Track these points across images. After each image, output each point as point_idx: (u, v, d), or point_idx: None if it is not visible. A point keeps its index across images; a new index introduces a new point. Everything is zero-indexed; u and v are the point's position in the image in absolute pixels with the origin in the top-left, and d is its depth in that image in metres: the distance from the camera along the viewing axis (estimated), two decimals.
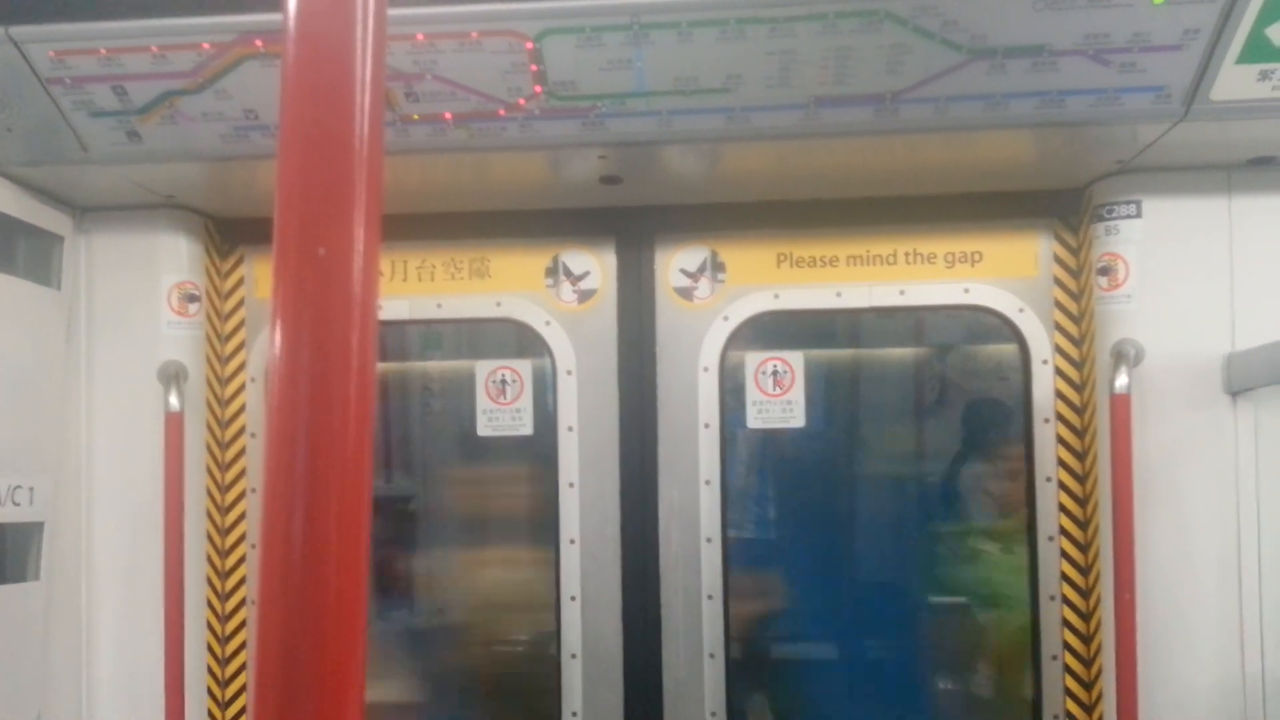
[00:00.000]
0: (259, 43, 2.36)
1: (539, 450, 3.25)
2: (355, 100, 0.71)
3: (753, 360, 3.17)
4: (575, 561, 3.13)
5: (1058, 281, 3.04)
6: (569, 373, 3.16)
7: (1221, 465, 2.77)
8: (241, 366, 3.24)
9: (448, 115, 2.46)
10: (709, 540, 3.10)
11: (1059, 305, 3.04)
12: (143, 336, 3.04)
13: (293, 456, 0.64)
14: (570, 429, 3.15)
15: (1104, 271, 2.88)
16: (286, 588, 0.63)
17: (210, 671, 3.12)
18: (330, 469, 0.64)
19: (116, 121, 2.53)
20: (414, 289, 3.20)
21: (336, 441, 0.65)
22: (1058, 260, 3.04)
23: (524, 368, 3.23)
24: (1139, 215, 2.84)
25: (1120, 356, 2.77)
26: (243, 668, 3.18)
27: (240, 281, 3.26)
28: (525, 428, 3.22)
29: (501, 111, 2.44)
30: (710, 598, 3.10)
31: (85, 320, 3.04)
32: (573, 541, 3.13)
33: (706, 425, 3.12)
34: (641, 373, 3.14)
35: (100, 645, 3.00)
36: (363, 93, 0.72)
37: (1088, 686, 2.96)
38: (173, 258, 3.09)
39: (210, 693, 3.12)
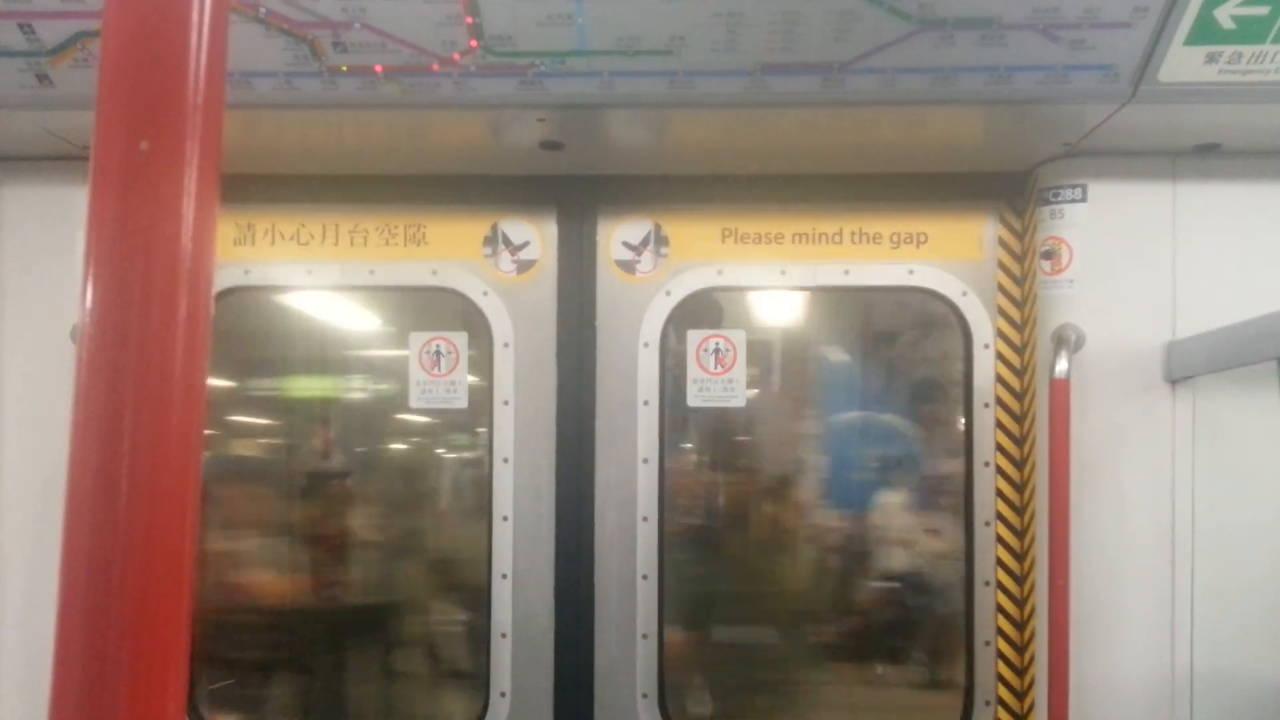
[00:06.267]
0: None
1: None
2: None
3: (694, 337, 3.11)
4: (508, 538, 3.04)
5: (1001, 265, 3.01)
6: (506, 345, 3.07)
7: (1159, 453, 2.77)
8: None
9: (378, 68, 2.35)
10: (645, 519, 3.04)
11: (1002, 289, 3.01)
12: (56, 294, 2.90)
13: (108, 421, 0.55)
14: (506, 403, 3.06)
15: (1047, 255, 2.86)
16: (93, 585, 0.54)
17: None
18: (157, 443, 0.55)
19: (25, 63, 2.39)
20: (346, 253, 3.08)
21: (164, 400, 0.56)
22: (1002, 244, 3.02)
23: (459, 339, 3.13)
24: (1084, 199, 2.82)
25: (1061, 341, 2.75)
26: None
27: None
28: (459, 400, 3.13)
29: (435, 66, 2.34)
30: (645, 578, 3.04)
31: None
32: (505, 518, 3.04)
33: (646, 402, 3.05)
34: (581, 347, 3.06)
35: (4, 618, 2.87)
36: None
37: (1020, 672, 2.95)
38: None
39: None
